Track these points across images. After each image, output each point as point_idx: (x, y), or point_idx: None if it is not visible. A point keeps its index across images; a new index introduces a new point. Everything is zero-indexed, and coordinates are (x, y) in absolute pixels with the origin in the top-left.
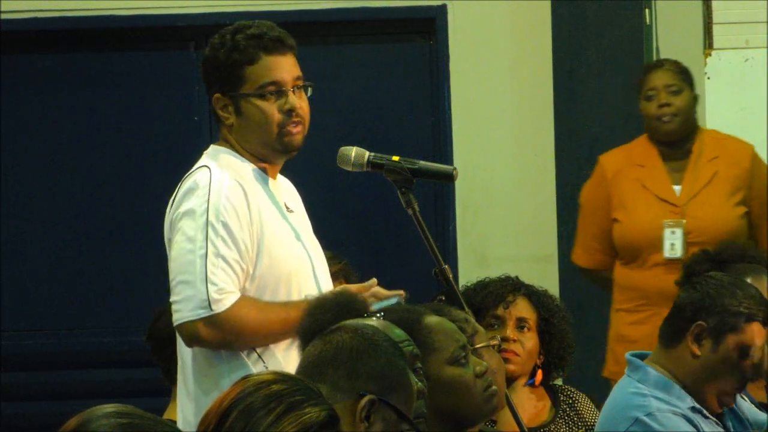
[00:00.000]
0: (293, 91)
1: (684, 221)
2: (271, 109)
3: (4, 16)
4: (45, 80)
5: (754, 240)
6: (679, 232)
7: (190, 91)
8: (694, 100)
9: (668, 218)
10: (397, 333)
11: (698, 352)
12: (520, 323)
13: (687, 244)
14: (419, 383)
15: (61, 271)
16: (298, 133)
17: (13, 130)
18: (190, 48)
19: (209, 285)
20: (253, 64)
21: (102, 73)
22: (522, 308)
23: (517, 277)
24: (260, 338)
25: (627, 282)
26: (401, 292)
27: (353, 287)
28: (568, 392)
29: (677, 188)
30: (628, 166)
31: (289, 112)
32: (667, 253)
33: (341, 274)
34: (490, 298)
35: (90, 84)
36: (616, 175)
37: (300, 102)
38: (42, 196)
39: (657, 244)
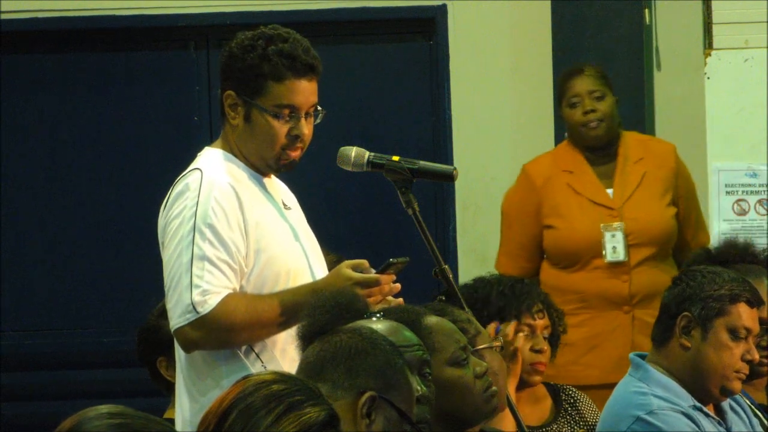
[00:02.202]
0: (305, 117)
1: (622, 224)
2: (281, 130)
3: (4, 16)
4: (45, 80)
5: (682, 240)
6: (619, 234)
7: (190, 91)
8: (616, 104)
9: (605, 221)
10: (408, 336)
11: (688, 344)
12: (544, 334)
13: (628, 246)
14: (425, 388)
15: (61, 271)
16: (296, 156)
17: (13, 130)
18: (190, 48)
19: (193, 288)
20: (278, 82)
21: (102, 73)
22: (546, 318)
23: (531, 282)
24: (255, 329)
25: (562, 285)
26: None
27: (349, 263)
28: (570, 392)
29: (610, 191)
30: (556, 173)
31: (295, 138)
32: (609, 256)
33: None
34: (523, 302)
35: (90, 84)
36: (546, 182)
37: (307, 129)
38: (42, 197)
39: (597, 248)
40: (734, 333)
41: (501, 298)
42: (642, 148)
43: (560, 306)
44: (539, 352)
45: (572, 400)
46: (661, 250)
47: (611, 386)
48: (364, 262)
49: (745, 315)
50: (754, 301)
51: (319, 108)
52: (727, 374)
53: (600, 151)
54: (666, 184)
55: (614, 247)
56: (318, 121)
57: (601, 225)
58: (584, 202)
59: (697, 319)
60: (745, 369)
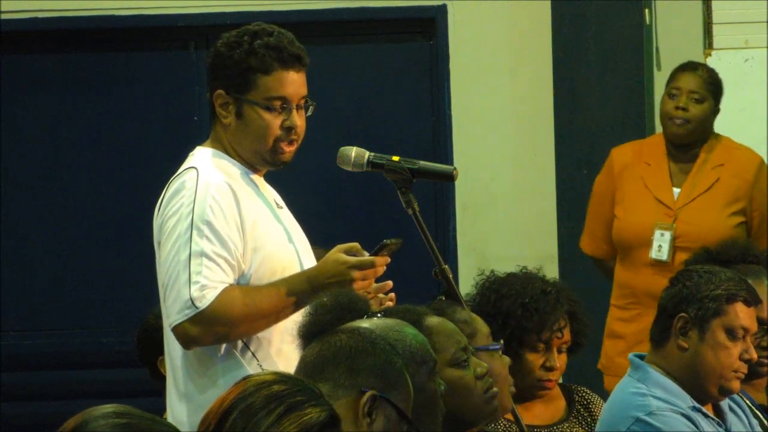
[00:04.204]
0: (296, 109)
1: (674, 225)
2: (274, 122)
3: (4, 16)
4: (45, 80)
5: None
6: (668, 235)
7: (190, 91)
8: (714, 112)
9: (661, 220)
10: (411, 332)
11: (685, 345)
12: (561, 348)
13: (674, 248)
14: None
15: (61, 271)
16: (290, 151)
17: (13, 130)
18: (190, 48)
19: (191, 285)
20: (267, 75)
21: (102, 73)
22: (566, 332)
23: (561, 291)
24: (254, 321)
25: (619, 279)
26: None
27: (342, 247)
28: (583, 393)
29: (677, 191)
30: (635, 163)
31: (289, 130)
32: (654, 254)
33: None
34: (545, 321)
35: (90, 84)
36: (623, 170)
37: (300, 121)
38: (42, 197)
39: (646, 245)
40: (732, 333)
41: (524, 313)
42: (726, 155)
43: (617, 300)
44: (550, 369)
45: (585, 402)
46: None
47: None
48: (356, 245)
49: (743, 314)
50: (751, 300)
51: (309, 100)
52: (726, 374)
53: (682, 149)
54: (737, 194)
55: (660, 246)
56: (309, 113)
57: (656, 223)
58: (649, 198)
59: (693, 319)
60: (744, 368)
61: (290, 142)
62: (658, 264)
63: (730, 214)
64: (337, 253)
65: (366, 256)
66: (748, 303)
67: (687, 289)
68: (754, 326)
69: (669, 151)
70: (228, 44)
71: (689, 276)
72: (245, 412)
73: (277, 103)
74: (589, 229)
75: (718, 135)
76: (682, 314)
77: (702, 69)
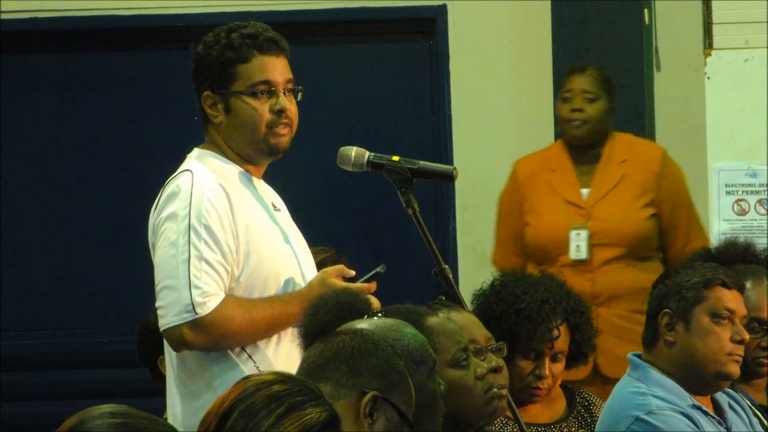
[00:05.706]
0: (284, 93)
1: (589, 223)
2: (262, 108)
3: (4, 16)
4: (45, 80)
5: (665, 243)
6: (584, 234)
7: (190, 91)
8: (610, 110)
9: (574, 221)
10: (410, 332)
11: (672, 339)
12: (557, 356)
13: (592, 245)
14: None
15: (61, 271)
16: (285, 135)
17: (13, 130)
18: (190, 48)
19: (192, 289)
20: (246, 63)
21: (102, 73)
22: (562, 342)
23: (564, 300)
24: (248, 336)
25: None
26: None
27: (333, 272)
28: (585, 395)
29: (585, 191)
30: (540, 171)
31: (279, 113)
32: (573, 254)
33: (329, 262)
34: (528, 325)
35: (90, 84)
36: (528, 179)
37: (290, 104)
38: (42, 197)
39: (564, 247)
40: (716, 317)
41: (517, 320)
42: (629, 150)
43: None
44: (539, 378)
45: (586, 403)
46: (632, 251)
47: (571, 382)
48: (342, 267)
49: (724, 297)
50: (731, 283)
51: (296, 85)
52: (720, 358)
53: (584, 151)
54: (645, 187)
55: (578, 245)
56: (299, 98)
57: (570, 224)
58: (558, 201)
59: (676, 312)
60: (738, 350)
61: (284, 126)
62: (577, 264)
63: (641, 206)
64: (330, 279)
65: (359, 284)
66: (727, 286)
67: (665, 287)
68: (741, 309)
69: (571, 154)
70: (205, 44)
71: (668, 275)
72: (246, 412)
73: (262, 88)
74: (499, 243)
75: (615, 133)
76: (665, 310)
77: (591, 69)
